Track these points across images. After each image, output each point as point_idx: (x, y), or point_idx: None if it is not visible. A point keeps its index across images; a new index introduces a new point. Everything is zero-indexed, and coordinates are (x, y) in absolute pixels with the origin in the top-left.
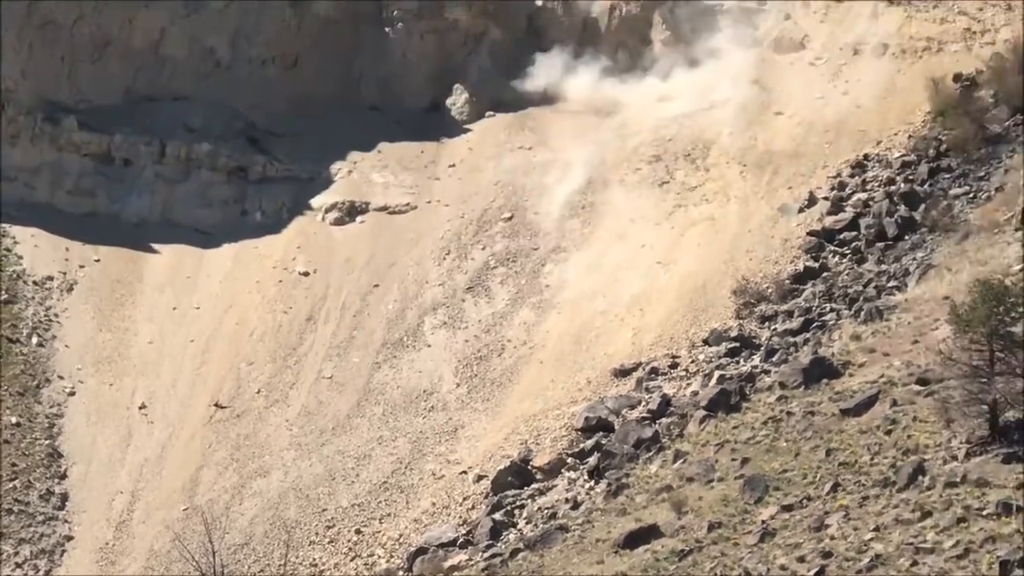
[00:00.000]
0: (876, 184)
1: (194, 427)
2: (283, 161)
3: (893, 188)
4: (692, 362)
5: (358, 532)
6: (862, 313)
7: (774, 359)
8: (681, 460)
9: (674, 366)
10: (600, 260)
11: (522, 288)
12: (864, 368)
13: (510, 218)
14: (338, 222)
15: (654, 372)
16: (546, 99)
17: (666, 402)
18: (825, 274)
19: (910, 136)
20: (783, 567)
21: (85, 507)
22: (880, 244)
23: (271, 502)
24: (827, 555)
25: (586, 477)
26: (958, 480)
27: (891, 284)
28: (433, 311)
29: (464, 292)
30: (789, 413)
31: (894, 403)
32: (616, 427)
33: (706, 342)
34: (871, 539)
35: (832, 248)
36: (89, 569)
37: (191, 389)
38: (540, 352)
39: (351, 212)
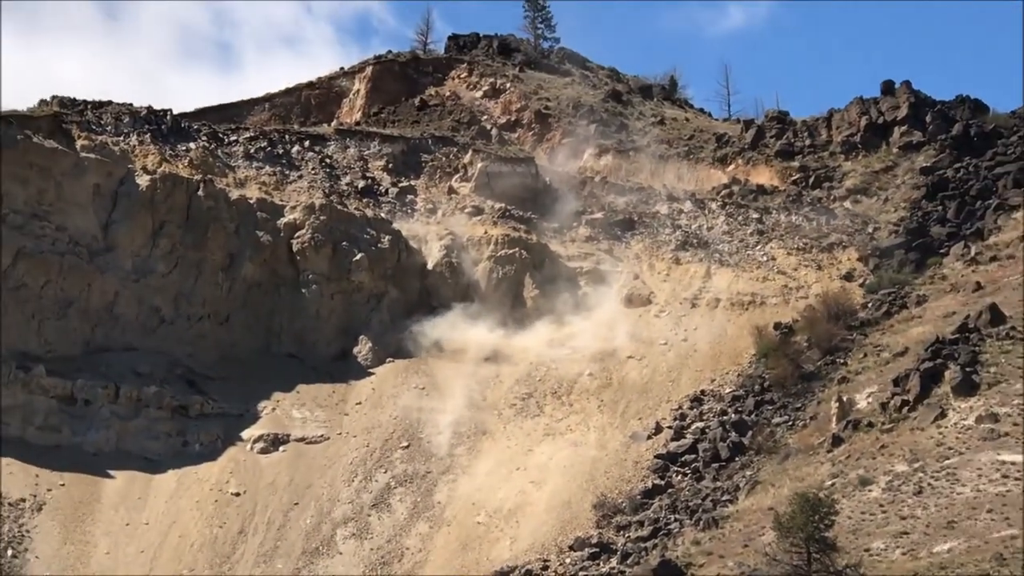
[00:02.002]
0: (711, 415)
1: None
2: (217, 400)
3: (725, 418)
4: (560, 565)
5: None
6: (701, 522)
7: (628, 561)
8: None
9: (545, 568)
10: (483, 481)
11: (418, 504)
12: (703, 568)
13: (407, 446)
14: (264, 451)
15: (528, 574)
16: (437, 347)
17: None
18: (670, 490)
19: (739, 375)
20: None
21: None
22: (715, 465)
23: None
24: None
25: None
26: None
27: (725, 498)
28: (344, 524)
29: (370, 508)
30: None
31: None
32: None
33: (571, 548)
34: None
35: (676, 468)
36: None
37: None
38: (433, 558)
39: (275, 443)
